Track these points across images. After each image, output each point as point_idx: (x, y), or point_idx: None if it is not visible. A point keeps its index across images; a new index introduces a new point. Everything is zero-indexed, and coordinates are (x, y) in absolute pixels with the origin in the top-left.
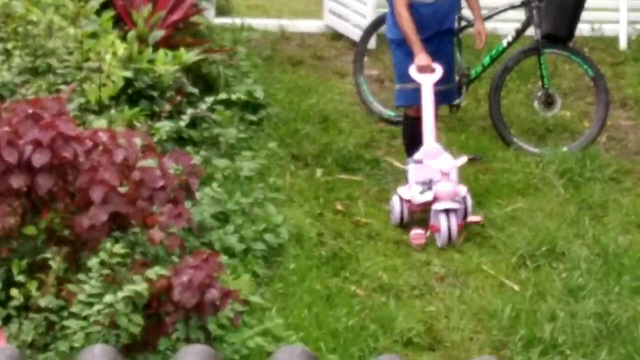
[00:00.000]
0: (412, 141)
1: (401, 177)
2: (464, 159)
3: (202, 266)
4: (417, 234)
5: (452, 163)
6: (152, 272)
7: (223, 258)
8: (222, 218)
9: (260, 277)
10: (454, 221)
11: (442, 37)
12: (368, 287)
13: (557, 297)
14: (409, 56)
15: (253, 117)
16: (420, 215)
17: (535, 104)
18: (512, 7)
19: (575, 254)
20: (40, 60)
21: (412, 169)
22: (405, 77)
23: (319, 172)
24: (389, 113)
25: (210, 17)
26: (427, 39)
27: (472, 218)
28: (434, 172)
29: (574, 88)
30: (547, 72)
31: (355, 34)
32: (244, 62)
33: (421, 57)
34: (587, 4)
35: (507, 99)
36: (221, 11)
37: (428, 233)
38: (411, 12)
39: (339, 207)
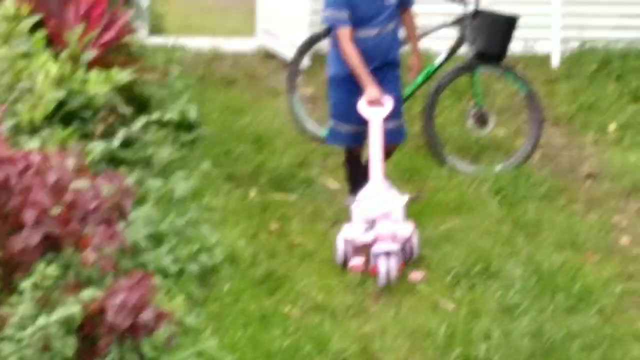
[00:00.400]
0: (354, 179)
1: (335, 196)
2: (404, 199)
3: (135, 287)
4: (356, 266)
5: (392, 203)
6: (86, 294)
7: (157, 279)
8: (156, 239)
9: (194, 298)
10: (394, 263)
11: (387, 69)
12: (303, 307)
13: (492, 316)
14: (351, 94)
15: (186, 137)
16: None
17: (469, 122)
18: (445, 26)
19: (510, 273)
20: None
21: (356, 207)
22: (342, 117)
23: (252, 192)
24: (323, 132)
25: (143, 36)
26: (372, 71)
27: (414, 275)
28: (377, 208)
29: (508, 106)
30: (481, 90)
31: (288, 53)
32: (177, 82)
33: (371, 90)
34: (520, 22)
35: (440, 117)
36: (154, 31)
37: (363, 267)
38: (355, 47)
39: (273, 227)
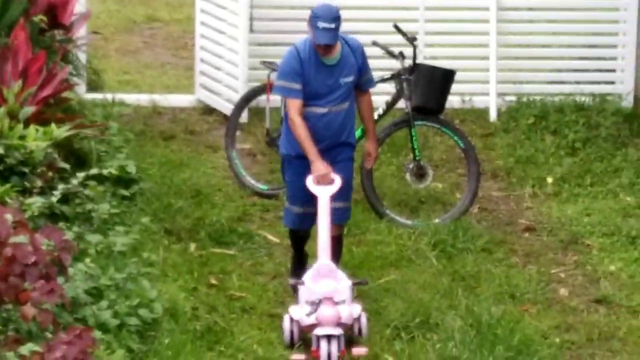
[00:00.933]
0: (299, 262)
1: (275, 250)
2: (349, 282)
3: (75, 342)
4: (296, 356)
5: (334, 286)
6: (25, 349)
7: (97, 333)
8: (96, 293)
9: (134, 352)
10: (335, 348)
11: (339, 150)
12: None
13: None
14: (300, 176)
15: (126, 192)
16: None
17: (407, 176)
18: (383, 80)
19: (449, 325)
20: None
21: (302, 288)
22: (294, 199)
23: (192, 246)
24: (262, 187)
25: (82, 92)
26: (322, 151)
27: (357, 350)
28: (325, 289)
29: (446, 160)
30: (418, 144)
31: (227, 108)
32: (115, 137)
33: (318, 166)
34: (457, 77)
35: (379, 171)
36: (92, 86)
37: (308, 358)
38: (306, 120)
39: (213, 281)
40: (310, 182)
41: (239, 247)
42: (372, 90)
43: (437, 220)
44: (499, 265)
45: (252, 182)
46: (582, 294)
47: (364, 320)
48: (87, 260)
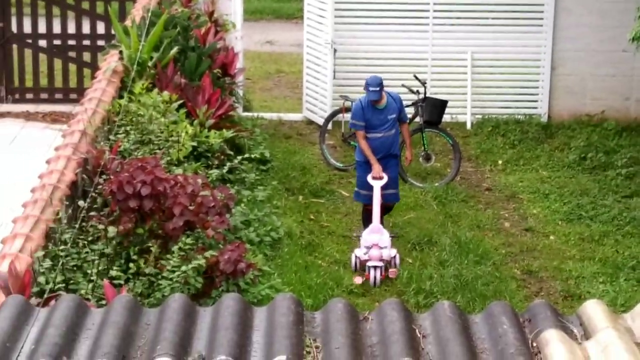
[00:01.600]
0: (365, 222)
1: (346, 201)
2: (388, 235)
3: (235, 250)
4: (357, 279)
5: (380, 237)
6: (208, 254)
7: (247, 246)
8: (247, 223)
9: (268, 256)
10: (378, 274)
11: (389, 159)
12: (328, 261)
13: (433, 266)
14: (365, 172)
15: (264, 167)
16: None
17: (420, 159)
18: (407, 106)
19: (443, 242)
20: (145, 136)
21: (362, 238)
22: (361, 185)
23: (300, 197)
24: (339, 165)
25: (240, 112)
26: (379, 159)
27: (391, 272)
28: (379, 239)
29: (442, 150)
30: (427, 142)
31: (320, 121)
32: (258, 137)
33: (376, 169)
34: (449, 104)
35: (404, 156)
36: (246, 109)
37: (363, 279)
38: (369, 142)
39: (312, 217)
40: (369, 177)
41: (326, 198)
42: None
43: (436, 184)
44: (471, 209)
45: (334, 162)
46: (517, 226)
47: (397, 258)
48: (242, 205)
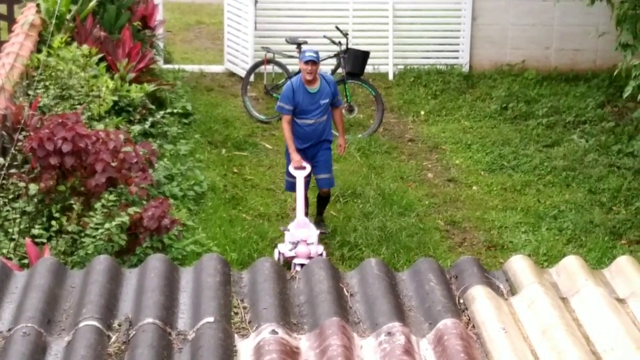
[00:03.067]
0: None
1: (269, 153)
2: (317, 232)
3: (159, 206)
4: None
5: (308, 233)
6: (131, 210)
7: (171, 201)
8: (170, 178)
9: (192, 211)
10: None
11: (321, 145)
12: (252, 214)
13: (357, 218)
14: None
15: (186, 120)
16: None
17: (343, 111)
18: (329, 57)
19: (367, 194)
20: (65, 91)
21: (287, 233)
22: (288, 174)
23: (223, 151)
24: (262, 117)
25: (161, 65)
26: (310, 146)
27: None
28: (304, 233)
29: (364, 102)
30: (349, 93)
31: (242, 73)
32: (180, 90)
33: (294, 157)
34: (371, 55)
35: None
36: (167, 60)
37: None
38: (297, 129)
39: (235, 170)
40: (291, 167)
41: (249, 151)
42: (323, 62)
43: (360, 136)
44: (394, 160)
45: (256, 114)
46: (440, 176)
47: (324, 255)
48: (165, 159)
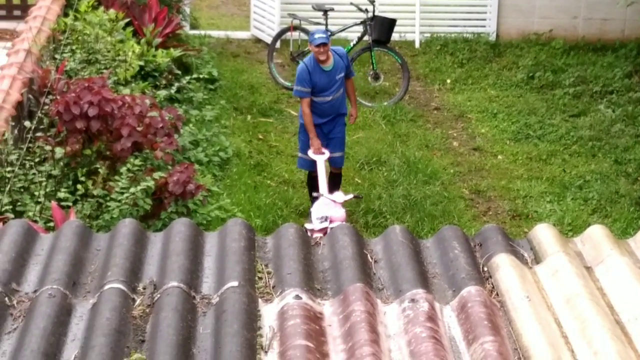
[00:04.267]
0: (311, 190)
1: (294, 120)
2: (350, 196)
3: (184, 171)
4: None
5: (344, 197)
6: (157, 175)
7: (196, 166)
8: (195, 143)
9: (217, 177)
10: None
11: (337, 120)
12: (277, 181)
13: (382, 186)
14: (309, 138)
15: (212, 86)
16: None
17: (369, 78)
18: (356, 24)
19: (392, 162)
20: (91, 55)
21: (313, 211)
22: (304, 151)
23: (249, 117)
24: (287, 84)
25: (187, 30)
26: (327, 121)
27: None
28: (326, 209)
29: (390, 69)
30: (375, 61)
31: (268, 39)
32: (206, 55)
33: (314, 143)
34: (397, 23)
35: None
36: (193, 26)
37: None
38: (315, 106)
39: (260, 136)
40: (310, 152)
41: (275, 117)
42: (349, 30)
43: (385, 103)
44: (420, 128)
45: (282, 81)
46: (465, 145)
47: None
48: (190, 125)
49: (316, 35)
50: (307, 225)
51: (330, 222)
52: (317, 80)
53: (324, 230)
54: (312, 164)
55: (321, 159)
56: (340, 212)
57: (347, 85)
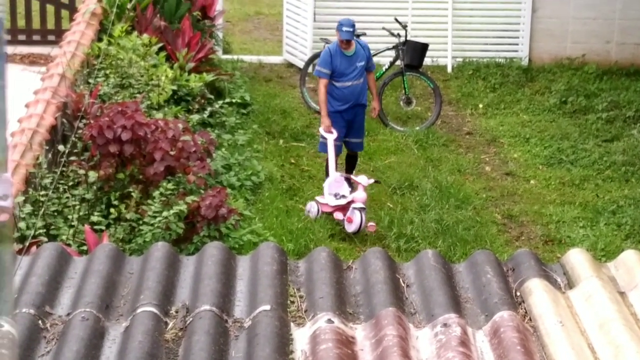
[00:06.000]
0: (327, 171)
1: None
2: (372, 180)
3: (216, 195)
4: (337, 217)
5: (368, 181)
6: (189, 199)
7: (228, 190)
8: (228, 167)
9: (249, 201)
10: (364, 216)
11: (357, 109)
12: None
13: (414, 211)
14: (332, 122)
15: (244, 111)
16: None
17: (401, 103)
18: (388, 49)
19: (424, 187)
20: (125, 80)
21: (326, 187)
22: (322, 136)
23: (281, 141)
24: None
25: (220, 54)
26: (347, 109)
27: (369, 224)
28: (341, 188)
29: (422, 94)
30: (407, 85)
31: (301, 64)
32: (238, 80)
33: (324, 121)
34: (429, 47)
35: (385, 100)
36: (226, 51)
37: (343, 218)
38: (335, 90)
39: (292, 161)
40: (321, 129)
41: (307, 142)
42: (381, 54)
43: (417, 128)
44: (452, 153)
45: (314, 105)
46: (498, 170)
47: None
48: (223, 149)
49: (344, 29)
50: (319, 199)
51: (353, 202)
52: (338, 64)
53: (340, 208)
54: (336, 147)
55: (331, 138)
56: (363, 195)
57: (368, 79)
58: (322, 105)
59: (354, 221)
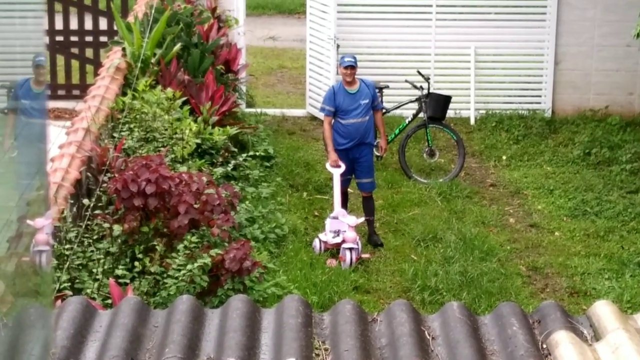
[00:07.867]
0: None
1: (351, 196)
2: (361, 219)
3: (240, 248)
4: (330, 262)
5: (356, 221)
6: (213, 252)
7: (252, 243)
8: (252, 220)
9: (273, 253)
10: (354, 255)
11: (364, 147)
12: (333, 258)
13: (438, 263)
14: (339, 157)
15: (268, 164)
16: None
17: (425, 155)
18: (411, 102)
19: (448, 239)
20: (149, 133)
21: (328, 224)
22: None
23: (304, 194)
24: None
25: (243, 108)
26: (352, 147)
27: (363, 255)
28: (341, 225)
29: (446, 146)
30: (431, 138)
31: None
32: (262, 133)
33: (331, 156)
34: (452, 100)
35: (409, 152)
36: (249, 104)
37: (336, 262)
38: (340, 127)
39: (316, 213)
40: (327, 165)
41: (330, 195)
42: (404, 107)
43: (441, 180)
44: (475, 205)
45: None
46: (522, 222)
47: (360, 244)
48: (247, 202)
49: (346, 59)
50: (321, 236)
51: (343, 242)
52: (341, 101)
53: (336, 246)
54: (344, 182)
55: (337, 172)
56: (352, 235)
57: (375, 118)
58: (327, 140)
59: (346, 260)
